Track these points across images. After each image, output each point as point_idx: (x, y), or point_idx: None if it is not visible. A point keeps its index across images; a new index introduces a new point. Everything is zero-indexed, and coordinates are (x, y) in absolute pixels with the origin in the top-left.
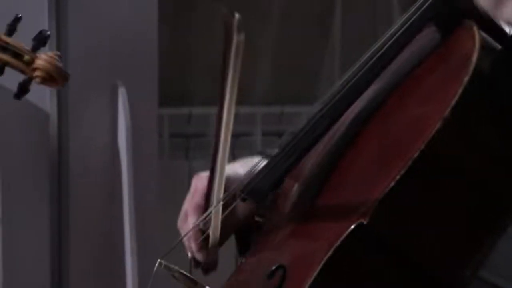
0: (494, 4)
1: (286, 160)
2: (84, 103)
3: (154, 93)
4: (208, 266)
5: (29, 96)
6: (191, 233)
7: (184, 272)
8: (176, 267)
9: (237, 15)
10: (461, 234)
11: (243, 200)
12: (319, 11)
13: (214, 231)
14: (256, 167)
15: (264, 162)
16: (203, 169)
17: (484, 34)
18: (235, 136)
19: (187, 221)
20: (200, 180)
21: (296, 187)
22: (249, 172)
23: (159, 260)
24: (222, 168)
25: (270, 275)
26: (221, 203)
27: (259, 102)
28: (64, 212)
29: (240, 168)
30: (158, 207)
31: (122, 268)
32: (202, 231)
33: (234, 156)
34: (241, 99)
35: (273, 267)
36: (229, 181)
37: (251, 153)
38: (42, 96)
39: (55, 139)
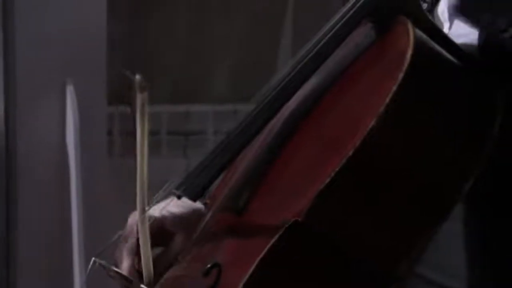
0: None
1: (221, 157)
2: (32, 102)
3: (103, 91)
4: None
5: None
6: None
7: (119, 271)
8: (111, 266)
9: (138, 76)
10: (398, 230)
11: (178, 197)
12: (272, 10)
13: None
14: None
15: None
16: None
17: (419, 32)
18: (188, 134)
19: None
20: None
21: (230, 186)
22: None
23: (93, 258)
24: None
25: (206, 273)
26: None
27: (212, 100)
28: (12, 211)
29: (174, 207)
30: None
31: (71, 267)
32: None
33: (185, 155)
34: (194, 98)
35: (209, 265)
36: (166, 220)
37: (203, 152)
38: None
39: (2, 138)
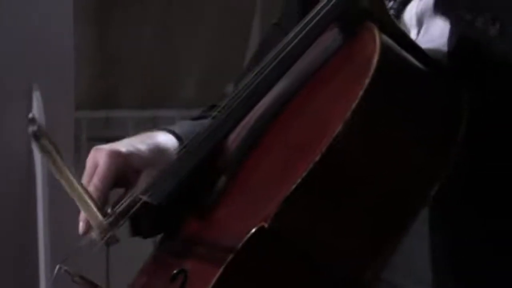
0: None
1: (189, 163)
2: None
3: (70, 96)
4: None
5: None
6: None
7: (84, 276)
8: (76, 271)
9: (30, 115)
10: (365, 235)
11: (145, 204)
12: (239, 14)
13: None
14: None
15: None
16: None
17: (386, 37)
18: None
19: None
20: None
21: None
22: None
23: (58, 265)
24: None
25: (172, 278)
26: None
27: (179, 105)
28: None
29: (140, 144)
30: None
31: (37, 274)
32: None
33: None
34: (161, 103)
35: (175, 271)
36: (132, 157)
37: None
38: None
39: None
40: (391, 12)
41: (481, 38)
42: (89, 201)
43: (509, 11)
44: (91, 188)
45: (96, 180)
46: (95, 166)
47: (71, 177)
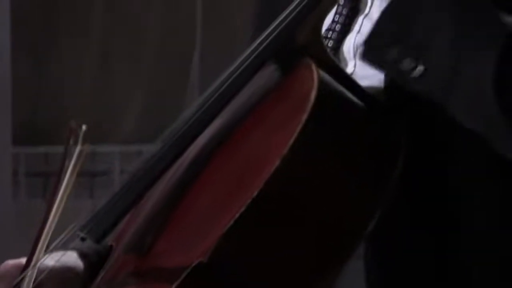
0: None
1: (126, 198)
2: None
3: (8, 131)
4: None
5: None
6: None
7: None
8: None
9: (84, 127)
10: (303, 270)
11: (82, 239)
12: (179, 50)
13: None
14: None
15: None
16: None
17: (323, 73)
18: (94, 175)
19: None
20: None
21: (135, 227)
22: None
23: None
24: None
25: None
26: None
27: (118, 141)
28: None
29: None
30: None
31: None
32: None
33: (92, 195)
34: (101, 138)
35: None
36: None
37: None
38: None
39: None
40: (331, 43)
41: (405, 79)
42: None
43: (433, 50)
44: None
45: None
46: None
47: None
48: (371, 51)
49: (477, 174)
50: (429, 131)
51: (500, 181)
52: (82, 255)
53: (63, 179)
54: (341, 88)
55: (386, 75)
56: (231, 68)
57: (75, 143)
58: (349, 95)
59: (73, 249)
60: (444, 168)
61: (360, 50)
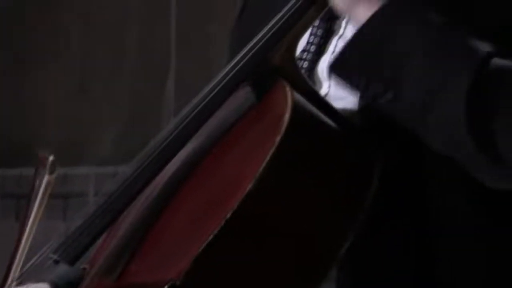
0: (349, 3)
1: (100, 221)
2: None
3: None
4: None
5: None
6: None
7: None
8: None
9: (51, 157)
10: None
11: (56, 262)
12: (154, 73)
13: None
14: None
15: None
16: None
17: (297, 95)
18: (67, 196)
19: None
20: None
21: (109, 248)
22: None
23: None
24: None
25: None
26: None
27: (94, 162)
28: None
29: None
30: None
31: None
32: None
33: (65, 217)
34: (76, 160)
35: None
36: None
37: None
38: None
39: None
40: (306, 64)
41: (376, 103)
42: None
43: (403, 76)
44: None
45: None
46: None
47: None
48: (340, 74)
49: (451, 192)
50: (404, 150)
51: (475, 198)
52: (54, 286)
53: (33, 207)
54: (314, 110)
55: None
56: (207, 89)
57: (44, 172)
58: (323, 117)
59: (44, 280)
60: (420, 189)
61: (328, 71)
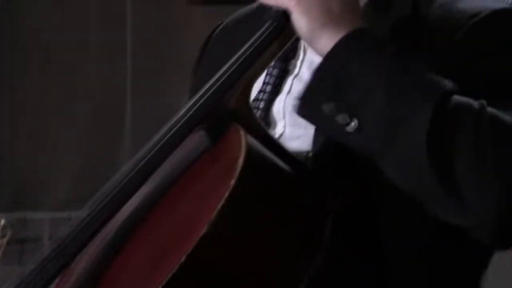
0: (310, 36)
1: (54, 265)
2: None
3: None
4: None
5: None
6: None
7: None
8: None
9: (3, 221)
10: None
11: None
12: (110, 117)
13: None
14: None
15: None
16: None
17: (251, 139)
18: (23, 241)
19: None
20: None
21: None
22: None
23: None
24: None
25: None
26: None
27: (49, 207)
28: None
29: None
30: None
31: None
32: None
33: (21, 262)
34: (30, 205)
35: None
36: None
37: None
38: None
39: None
40: (262, 105)
41: (339, 134)
42: None
43: (367, 108)
44: None
45: None
46: None
47: None
48: (306, 106)
49: (402, 226)
50: (356, 188)
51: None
52: None
53: None
54: (268, 154)
55: (316, 135)
56: (162, 132)
57: None
58: (277, 160)
59: None
60: (372, 223)
61: (295, 104)
